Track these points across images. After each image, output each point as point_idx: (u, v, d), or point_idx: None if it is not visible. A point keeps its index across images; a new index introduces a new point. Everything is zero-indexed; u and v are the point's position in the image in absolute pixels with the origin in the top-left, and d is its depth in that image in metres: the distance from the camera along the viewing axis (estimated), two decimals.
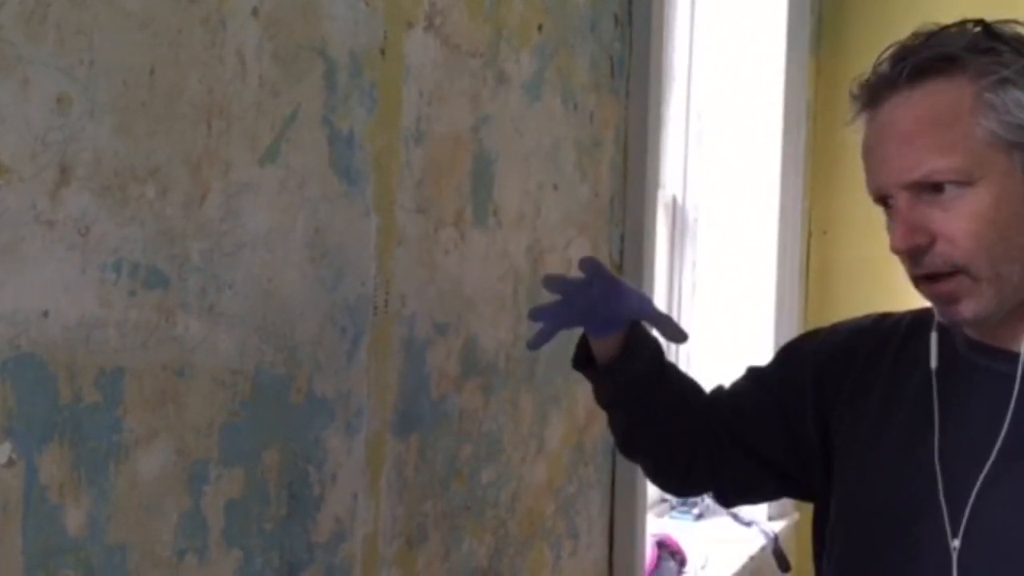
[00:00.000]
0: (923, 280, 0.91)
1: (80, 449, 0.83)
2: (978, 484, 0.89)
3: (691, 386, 1.18)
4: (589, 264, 1.06)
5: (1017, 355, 0.91)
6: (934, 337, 0.97)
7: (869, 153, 0.93)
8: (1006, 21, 0.91)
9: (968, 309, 0.89)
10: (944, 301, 0.91)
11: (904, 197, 0.90)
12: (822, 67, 2.86)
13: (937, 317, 0.95)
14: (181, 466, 0.92)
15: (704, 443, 1.14)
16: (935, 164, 0.87)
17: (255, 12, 0.97)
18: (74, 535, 0.83)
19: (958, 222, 0.87)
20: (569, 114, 1.60)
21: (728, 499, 1.21)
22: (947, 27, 0.91)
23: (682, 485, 1.21)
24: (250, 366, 1.00)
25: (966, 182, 0.87)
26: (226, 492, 0.97)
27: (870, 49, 2.89)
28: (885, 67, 0.92)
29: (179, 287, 0.91)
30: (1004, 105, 0.86)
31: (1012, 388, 0.90)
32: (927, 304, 0.97)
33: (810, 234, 2.85)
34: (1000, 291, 0.89)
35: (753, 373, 1.16)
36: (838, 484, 1.03)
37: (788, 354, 1.15)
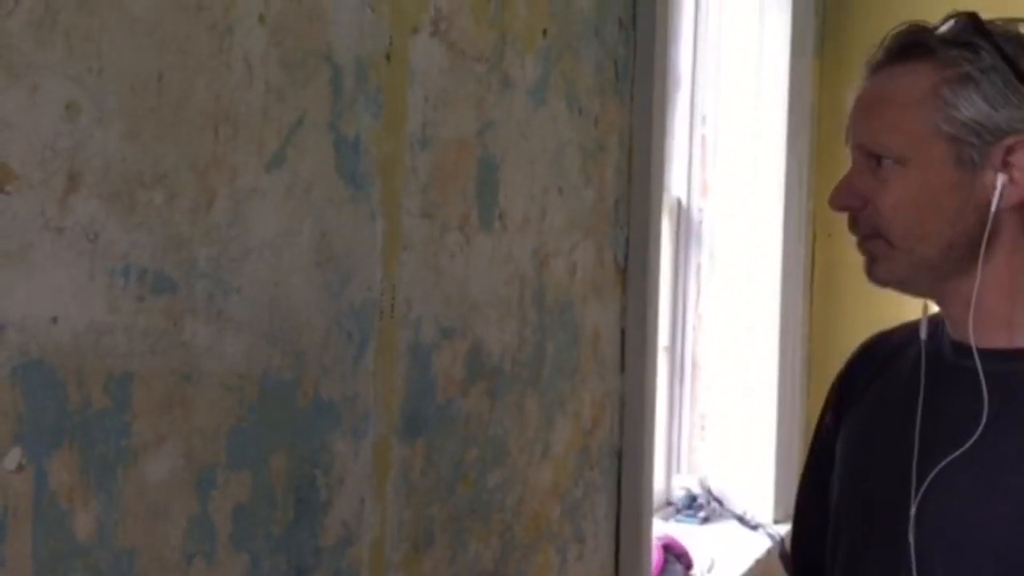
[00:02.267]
0: (858, 239, 1.00)
1: (89, 454, 0.83)
2: (945, 460, 0.93)
3: None
4: None
5: (992, 352, 0.94)
6: (924, 317, 1.02)
7: (848, 116, 1.01)
8: (1014, 20, 0.95)
9: (881, 270, 0.99)
10: (867, 259, 1.00)
11: (856, 161, 0.98)
12: (826, 70, 2.86)
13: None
14: (189, 471, 0.93)
15: None
16: (878, 138, 0.96)
17: (262, 19, 0.98)
18: (83, 540, 0.83)
19: (885, 195, 0.95)
20: (574, 118, 1.60)
21: None
22: (949, 16, 0.96)
23: None
24: (257, 371, 1.00)
25: (900, 161, 0.94)
26: (234, 496, 0.98)
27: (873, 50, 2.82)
28: (885, 43, 0.99)
29: (187, 292, 0.92)
30: (955, 101, 0.92)
31: (982, 384, 0.93)
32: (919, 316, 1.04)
33: (815, 236, 2.85)
34: (912, 264, 0.96)
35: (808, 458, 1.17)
36: (836, 477, 1.06)
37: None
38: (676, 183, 2.60)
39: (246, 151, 0.98)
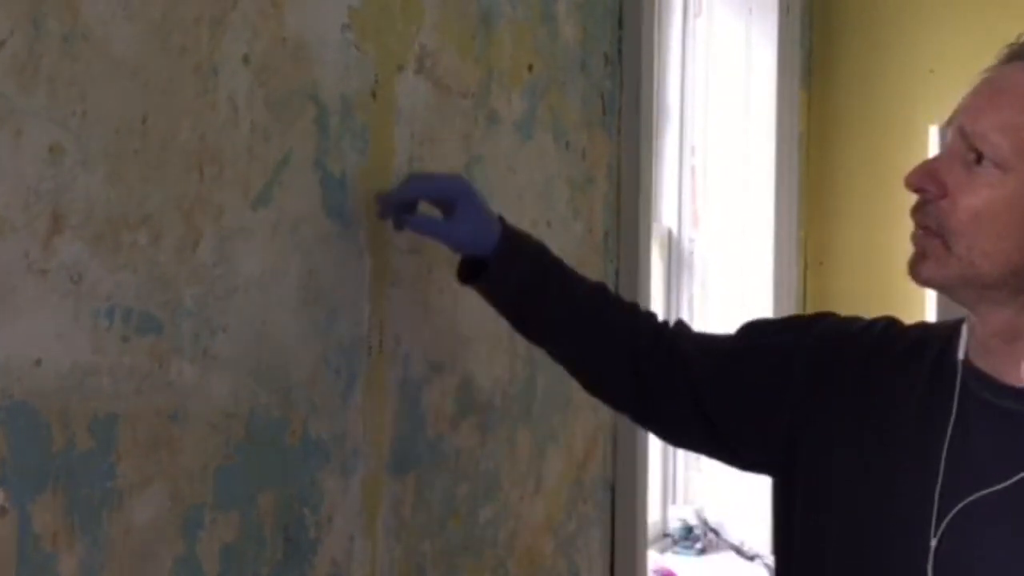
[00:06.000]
0: (917, 227, 0.93)
1: (73, 497, 0.83)
2: (973, 496, 0.90)
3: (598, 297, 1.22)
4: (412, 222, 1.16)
5: (1017, 390, 0.91)
6: (964, 329, 0.96)
7: (968, 92, 0.92)
8: None
9: (926, 271, 0.92)
10: (917, 253, 0.93)
11: (953, 146, 0.90)
12: (813, 100, 2.88)
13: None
14: (175, 512, 0.92)
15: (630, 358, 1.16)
16: (988, 134, 0.87)
17: (246, 59, 0.99)
18: None
19: (969, 196, 0.88)
20: (561, 152, 1.61)
21: (653, 427, 1.25)
22: None
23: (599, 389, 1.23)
24: (244, 409, 1.00)
25: (1001, 166, 0.87)
26: (221, 537, 0.97)
27: (860, 82, 2.93)
28: None
29: (172, 332, 0.92)
30: None
31: (1020, 426, 0.89)
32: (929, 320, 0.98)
33: (806, 265, 2.86)
34: (963, 275, 0.90)
35: (742, 336, 1.17)
36: (831, 473, 1.00)
37: (792, 328, 1.14)
38: (667, 214, 2.62)
39: (232, 190, 0.98)
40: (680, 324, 1.24)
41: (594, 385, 1.23)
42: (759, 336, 1.15)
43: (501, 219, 1.18)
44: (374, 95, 1.18)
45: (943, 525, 0.90)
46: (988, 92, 0.90)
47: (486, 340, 1.42)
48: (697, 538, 2.50)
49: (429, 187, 1.18)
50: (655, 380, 1.15)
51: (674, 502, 2.60)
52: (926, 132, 2.58)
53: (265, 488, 1.03)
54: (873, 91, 2.77)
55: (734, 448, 1.13)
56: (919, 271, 0.92)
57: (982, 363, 0.94)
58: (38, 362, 0.80)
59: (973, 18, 2.57)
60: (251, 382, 1.01)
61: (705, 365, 1.14)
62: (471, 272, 1.18)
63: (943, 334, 1.00)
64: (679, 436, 1.23)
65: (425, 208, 1.19)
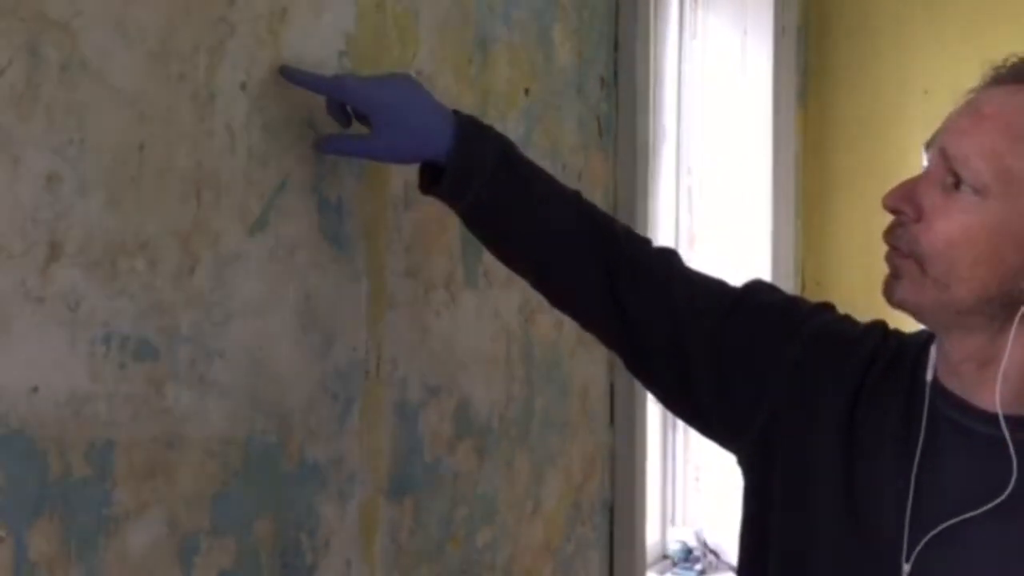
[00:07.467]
0: (889, 248, 0.92)
1: (70, 524, 0.82)
2: (945, 524, 0.88)
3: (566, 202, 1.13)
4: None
5: (989, 414, 0.90)
6: (933, 350, 0.95)
7: (952, 113, 0.92)
8: None
9: (901, 292, 0.90)
10: (890, 274, 0.92)
11: (932, 169, 0.89)
12: (809, 119, 2.89)
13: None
14: (172, 538, 0.92)
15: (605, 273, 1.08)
16: (969, 159, 0.86)
17: (243, 86, 0.99)
18: None
19: (946, 221, 0.87)
20: (558, 174, 1.61)
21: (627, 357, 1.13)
22: None
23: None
24: (241, 435, 1.00)
25: (981, 192, 0.86)
26: (218, 563, 0.97)
27: (855, 101, 2.93)
28: (1013, 60, 0.91)
29: (169, 358, 0.92)
30: None
31: (993, 451, 0.88)
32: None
33: (803, 286, 2.86)
34: (938, 300, 0.88)
35: (748, 295, 1.08)
36: (817, 474, 0.97)
37: (787, 311, 1.08)
38: (664, 234, 2.62)
39: (229, 216, 0.98)
40: (671, 251, 1.15)
41: (561, 299, 1.14)
42: (764, 306, 1.07)
43: (457, 115, 1.06)
44: None
45: (916, 551, 0.89)
46: (972, 115, 0.89)
47: (483, 363, 1.42)
48: (696, 560, 2.49)
49: (353, 98, 1.05)
50: (632, 293, 1.07)
51: (673, 523, 2.60)
52: (920, 152, 2.59)
53: (262, 514, 1.02)
54: (868, 111, 2.78)
55: (698, 396, 1.06)
56: (893, 291, 0.91)
57: (952, 385, 0.93)
58: (35, 389, 0.80)
59: (968, 39, 2.59)
60: (248, 408, 1.01)
61: (691, 297, 1.06)
62: (432, 178, 1.06)
63: (913, 349, 0.98)
64: (647, 370, 1.12)
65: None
